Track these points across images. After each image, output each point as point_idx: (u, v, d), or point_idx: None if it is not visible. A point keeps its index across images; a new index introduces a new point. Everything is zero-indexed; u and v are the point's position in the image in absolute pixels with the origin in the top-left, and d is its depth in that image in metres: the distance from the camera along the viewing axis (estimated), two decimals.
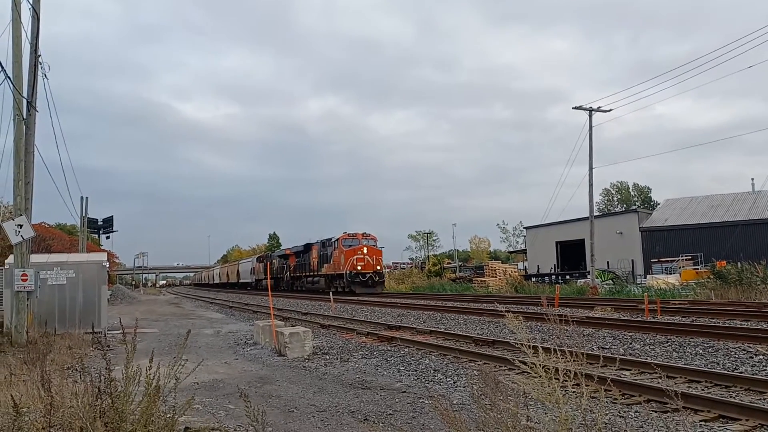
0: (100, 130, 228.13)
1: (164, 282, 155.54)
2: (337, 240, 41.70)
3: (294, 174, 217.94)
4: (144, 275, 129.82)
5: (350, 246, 40.40)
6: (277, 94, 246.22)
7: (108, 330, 17.33)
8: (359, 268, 39.40)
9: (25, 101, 14.31)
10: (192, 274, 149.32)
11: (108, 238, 51.91)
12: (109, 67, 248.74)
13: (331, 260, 42.60)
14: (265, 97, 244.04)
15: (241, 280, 72.00)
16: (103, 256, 20.77)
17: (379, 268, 40.92)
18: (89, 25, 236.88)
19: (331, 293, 31.48)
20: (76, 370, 6.57)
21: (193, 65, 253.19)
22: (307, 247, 49.10)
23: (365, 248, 40.17)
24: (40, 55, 15.18)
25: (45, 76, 15.94)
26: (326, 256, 43.88)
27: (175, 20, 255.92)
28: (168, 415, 3.87)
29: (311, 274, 47.52)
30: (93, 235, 52.65)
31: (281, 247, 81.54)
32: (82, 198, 40.24)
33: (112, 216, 47.86)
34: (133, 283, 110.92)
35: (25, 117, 14.27)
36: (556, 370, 3.48)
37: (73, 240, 47.38)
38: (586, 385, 3.52)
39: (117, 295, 47.24)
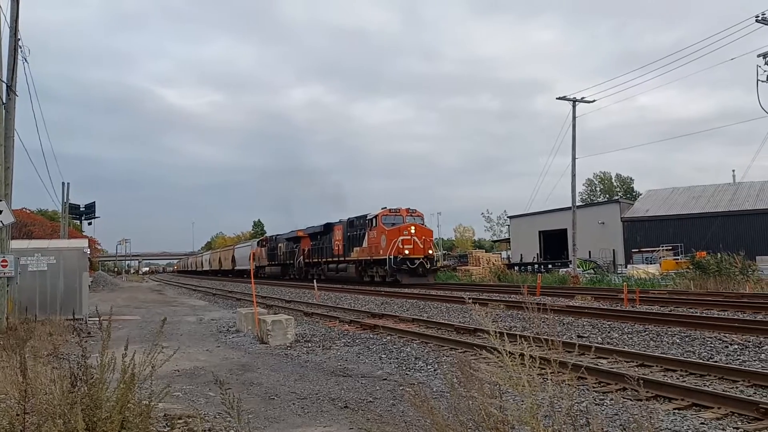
0: (83, 118, 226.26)
1: (147, 269, 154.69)
2: (375, 217, 33.86)
3: (278, 163, 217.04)
4: (126, 262, 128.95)
5: (393, 225, 32.69)
6: (261, 83, 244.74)
7: (89, 317, 17.23)
8: (406, 252, 31.54)
9: (4, 85, 14.10)
10: (175, 261, 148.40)
11: (90, 224, 51.58)
12: (90, 54, 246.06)
13: (365, 242, 34.87)
14: (249, 85, 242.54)
15: (237, 267, 65.02)
16: (84, 243, 20.60)
17: (430, 252, 33.24)
18: (70, 12, 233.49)
19: (315, 281, 29.25)
20: (55, 357, 6.56)
21: (175, 53, 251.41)
22: (328, 227, 41.38)
23: (412, 227, 32.43)
24: (20, 39, 14.95)
25: (25, 60, 15.72)
26: (357, 237, 36.25)
27: (155, 7, 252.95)
28: (145, 402, 3.89)
29: (335, 260, 39.55)
30: (75, 221, 52.20)
31: (267, 235, 78.12)
32: (63, 184, 39.91)
33: (94, 202, 47.52)
34: (116, 269, 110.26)
35: (4, 101, 14.06)
36: (531, 357, 3.53)
37: (55, 226, 46.94)
38: (560, 372, 3.58)
39: (99, 281, 46.85)
